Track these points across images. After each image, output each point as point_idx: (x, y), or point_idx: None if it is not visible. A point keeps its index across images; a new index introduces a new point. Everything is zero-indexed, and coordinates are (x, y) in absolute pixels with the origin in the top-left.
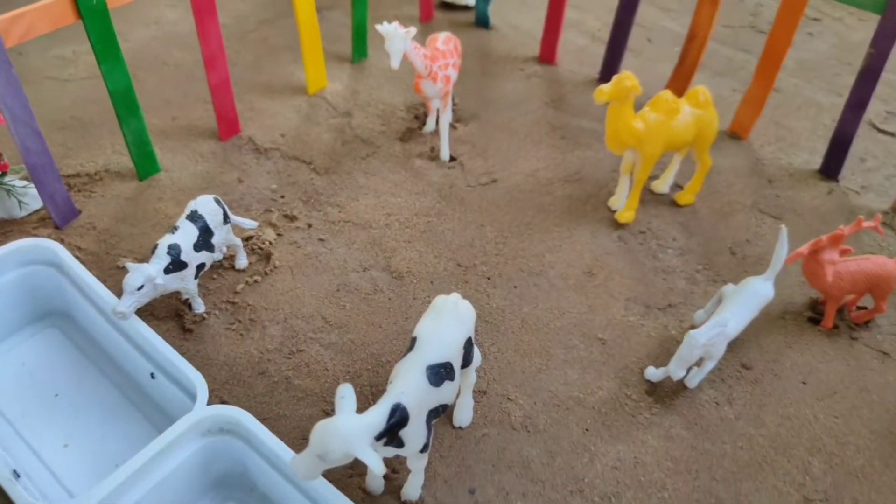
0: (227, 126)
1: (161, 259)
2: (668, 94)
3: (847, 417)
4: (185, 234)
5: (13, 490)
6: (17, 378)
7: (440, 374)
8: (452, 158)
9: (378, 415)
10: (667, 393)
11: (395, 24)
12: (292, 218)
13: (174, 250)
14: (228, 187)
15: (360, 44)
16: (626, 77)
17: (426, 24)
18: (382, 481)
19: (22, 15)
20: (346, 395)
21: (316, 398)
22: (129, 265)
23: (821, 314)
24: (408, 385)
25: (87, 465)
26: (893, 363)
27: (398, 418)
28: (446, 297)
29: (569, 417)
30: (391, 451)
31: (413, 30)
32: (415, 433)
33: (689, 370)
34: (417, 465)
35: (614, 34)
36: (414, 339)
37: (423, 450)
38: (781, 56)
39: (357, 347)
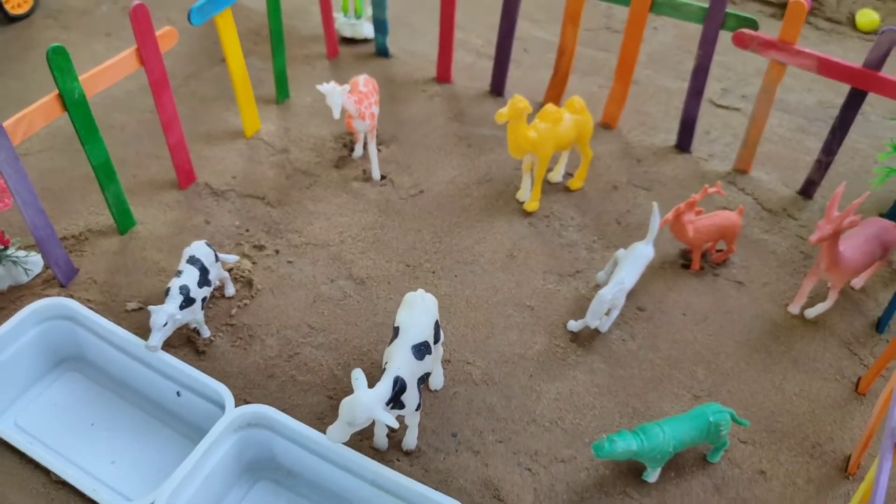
0: (185, 176)
1: (175, 299)
2: (551, 107)
3: (717, 335)
4: (189, 276)
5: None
6: (53, 416)
7: (421, 350)
8: (383, 177)
9: (385, 387)
10: (586, 339)
11: (332, 83)
12: (261, 248)
13: (184, 290)
14: (198, 229)
15: (283, 87)
16: (519, 100)
17: (332, 60)
18: (387, 440)
19: (24, 116)
20: (359, 377)
21: (319, 388)
22: (152, 308)
23: (689, 261)
24: (401, 362)
25: (136, 476)
26: (746, 289)
27: (399, 387)
28: (414, 293)
29: (516, 369)
30: (395, 413)
31: (347, 86)
32: (411, 396)
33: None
34: (413, 420)
35: (499, 51)
36: (397, 328)
37: (417, 408)
38: (635, 56)
39: (341, 344)
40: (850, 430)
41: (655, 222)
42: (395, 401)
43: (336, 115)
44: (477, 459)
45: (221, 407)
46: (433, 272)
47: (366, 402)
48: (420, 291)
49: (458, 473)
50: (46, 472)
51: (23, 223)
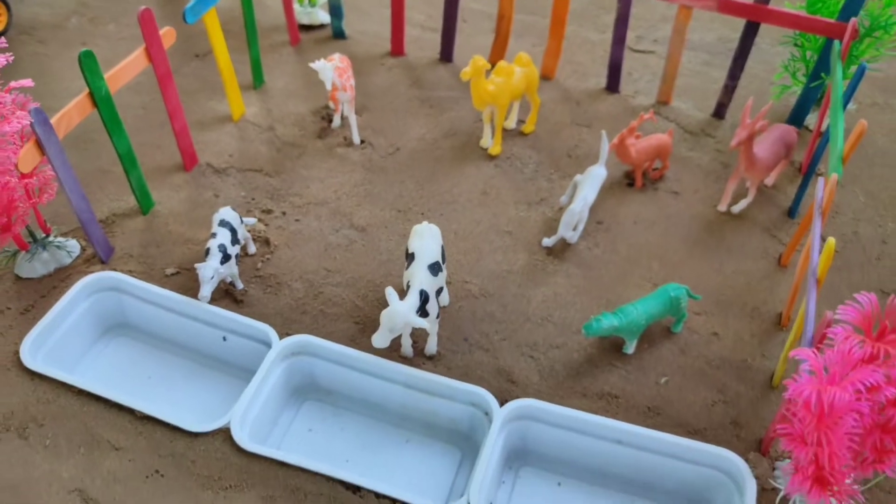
0: (189, 159)
1: (216, 255)
2: (504, 63)
3: (664, 235)
4: (223, 236)
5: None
6: (111, 376)
7: (435, 268)
8: (362, 141)
9: (413, 299)
10: (559, 251)
11: (322, 60)
12: (269, 211)
13: (222, 248)
14: (210, 203)
15: (258, 73)
16: (478, 59)
17: (295, 47)
18: (411, 349)
19: (64, 113)
20: (392, 293)
21: (345, 317)
22: (199, 265)
23: (633, 180)
24: (422, 279)
25: (198, 415)
26: (681, 197)
27: (424, 298)
28: (421, 224)
29: (506, 282)
30: (421, 320)
31: (336, 61)
32: (432, 306)
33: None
34: (433, 328)
35: (445, 21)
36: (412, 254)
37: (437, 317)
38: (565, 13)
39: (356, 281)
40: (778, 293)
41: (605, 147)
42: (422, 310)
43: (329, 86)
44: (488, 355)
45: (266, 344)
46: (422, 213)
47: (402, 311)
48: (426, 223)
49: (475, 367)
50: (129, 411)
51: (57, 213)
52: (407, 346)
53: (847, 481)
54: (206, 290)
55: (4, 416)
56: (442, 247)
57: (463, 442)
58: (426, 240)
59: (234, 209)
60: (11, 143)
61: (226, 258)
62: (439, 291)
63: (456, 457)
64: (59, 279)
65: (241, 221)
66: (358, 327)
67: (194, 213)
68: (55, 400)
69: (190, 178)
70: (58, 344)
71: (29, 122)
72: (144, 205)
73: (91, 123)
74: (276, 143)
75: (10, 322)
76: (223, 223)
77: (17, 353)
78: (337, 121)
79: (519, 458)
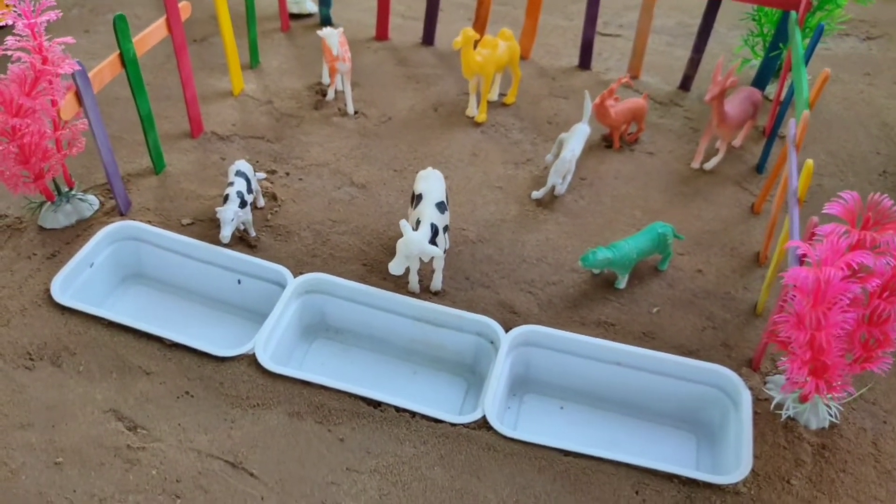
0: (196, 126)
1: (234, 200)
2: (489, 37)
3: (644, 188)
4: (240, 184)
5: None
6: (134, 315)
7: (441, 206)
8: (356, 112)
9: (426, 230)
10: (548, 204)
11: (329, 28)
12: (273, 171)
13: (240, 194)
14: (218, 165)
15: (255, 54)
16: (468, 30)
17: (286, 32)
18: (418, 285)
19: (99, 70)
20: (406, 224)
21: (353, 260)
22: (220, 209)
23: (610, 143)
24: (431, 215)
25: (219, 348)
26: (657, 157)
27: (434, 231)
28: (425, 169)
29: (501, 229)
30: (434, 248)
31: (341, 28)
32: (441, 240)
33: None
34: (440, 264)
35: (428, 10)
36: (420, 195)
37: (444, 251)
38: (540, 3)
39: (361, 230)
40: (754, 236)
41: (588, 105)
42: (432, 242)
43: (335, 52)
44: (489, 291)
45: (280, 285)
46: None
47: (416, 238)
48: (430, 168)
49: (479, 301)
50: (158, 339)
51: (75, 173)
52: (414, 282)
53: (841, 372)
54: (227, 231)
55: (38, 346)
56: (445, 190)
57: (468, 373)
58: (432, 181)
59: (249, 161)
60: (48, 97)
61: (243, 204)
62: (445, 229)
63: (462, 387)
64: (81, 229)
65: (255, 173)
66: (366, 268)
67: (203, 173)
68: (86, 332)
69: (197, 144)
70: (83, 286)
71: (76, 70)
72: (158, 165)
73: (103, 95)
74: (275, 114)
75: (37, 265)
76: (239, 173)
77: (47, 291)
78: (331, 94)
79: (523, 385)
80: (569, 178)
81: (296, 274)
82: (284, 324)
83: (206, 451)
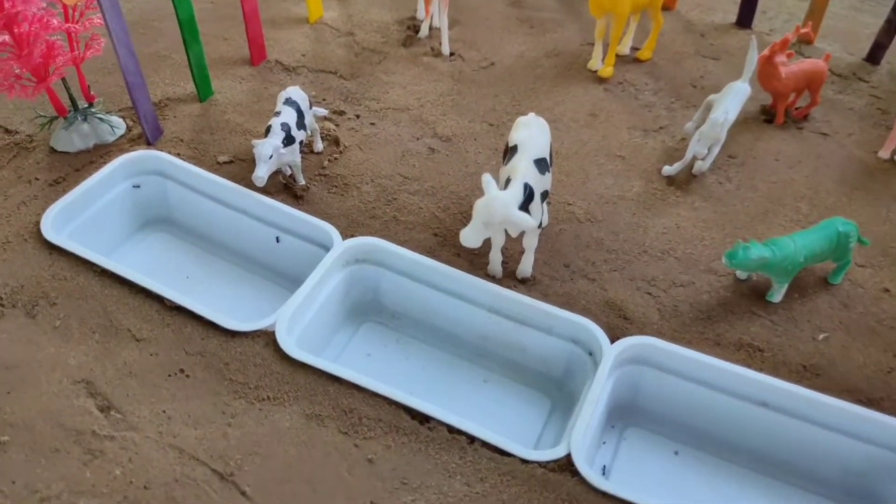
0: (258, 52)
1: (278, 135)
2: None
3: (813, 176)
4: (288, 115)
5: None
6: (146, 271)
7: (542, 165)
8: (452, 53)
9: (517, 190)
10: (682, 182)
11: None
12: (341, 112)
13: (286, 127)
14: (275, 98)
15: None
16: None
17: None
18: (501, 268)
19: None
20: (490, 180)
21: (423, 227)
22: (256, 141)
23: (772, 116)
24: (526, 173)
25: (237, 317)
26: (832, 139)
27: (528, 193)
28: (526, 115)
29: (617, 208)
30: (524, 216)
31: None
32: (535, 209)
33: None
34: (532, 242)
35: None
36: (514, 147)
37: (539, 226)
38: None
39: (437, 191)
40: None
41: (753, 57)
42: (524, 209)
43: None
44: (594, 285)
45: (325, 248)
46: None
47: (503, 200)
48: (532, 114)
49: (579, 297)
50: (159, 299)
51: (105, 93)
52: (496, 263)
53: None
54: (262, 171)
55: (13, 290)
56: (550, 145)
57: (554, 390)
58: (534, 130)
59: (304, 89)
60: None
61: (289, 140)
62: (544, 196)
63: (543, 407)
64: (98, 155)
65: (311, 107)
66: (437, 239)
67: (257, 106)
68: (73, 278)
69: (256, 72)
70: (86, 225)
71: None
72: (203, 91)
73: (152, 11)
74: (355, 47)
75: (35, 192)
76: (289, 101)
77: (38, 223)
78: (424, 30)
79: (626, 414)
80: (716, 150)
81: (346, 236)
82: (323, 298)
83: (191, 452)
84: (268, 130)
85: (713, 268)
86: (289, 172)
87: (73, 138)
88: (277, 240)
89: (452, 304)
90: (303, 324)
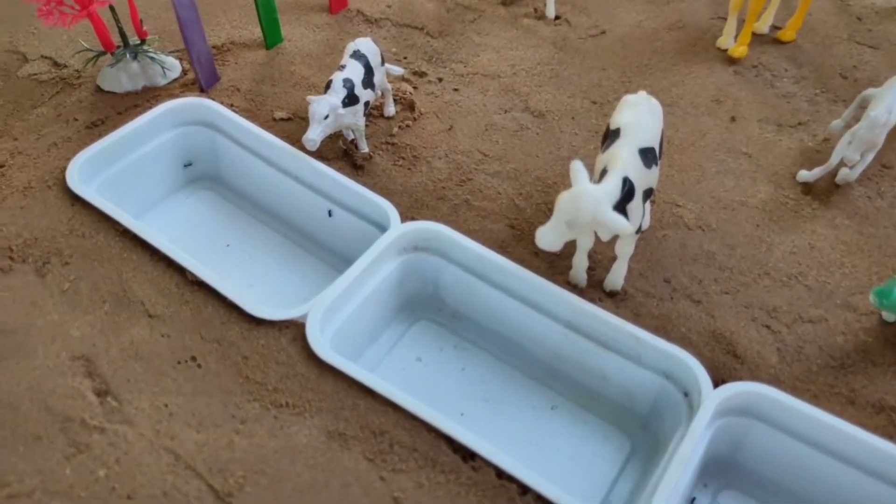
0: (337, 0)
1: (338, 92)
2: None
3: None
4: (354, 71)
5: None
6: (184, 231)
7: (649, 156)
8: (557, 17)
9: (613, 185)
10: (821, 192)
11: None
12: (422, 74)
13: (348, 84)
14: None
15: None
16: None
17: None
18: (585, 275)
19: None
20: (580, 168)
21: (498, 216)
22: (312, 98)
23: None
24: (628, 164)
25: (276, 302)
26: None
27: (628, 188)
28: (635, 94)
29: (737, 216)
30: (619, 218)
31: None
32: (635, 209)
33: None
34: (627, 249)
35: None
36: (616, 130)
37: (638, 231)
38: None
39: (521, 174)
40: None
41: None
42: (620, 208)
43: None
44: (699, 309)
45: (381, 229)
46: None
47: (594, 195)
48: (642, 92)
49: (678, 322)
50: (180, 271)
51: (165, 30)
52: (580, 269)
53: None
54: (315, 133)
55: (26, 242)
56: (662, 132)
57: (637, 429)
58: (642, 112)
59: (376, 42)
60: None
61: (351, 99)
62: (648, 194)
63: (622, 448)
64: (145, 99)
65: (383, 63)
66: (513, 233)
67: (328, 59)
68: (92, 236)
69: (334, 21)
70: (120, 177)
71: None
72: (270, 37)
73: None
74: (448, 2)
75: (70, 133)
76: (357, 55)
77: (65, 169)
78: None
79: (723, 473)
80: (869, 157)
81: (406, 218)
82: (371, 288)
83: (188, 460)
84: (328, 86)
85: (853, 303)
86: (350, 137)
87: (120, 77)
88: (330, 213)
89: (523, 312)
90: (342, 317)
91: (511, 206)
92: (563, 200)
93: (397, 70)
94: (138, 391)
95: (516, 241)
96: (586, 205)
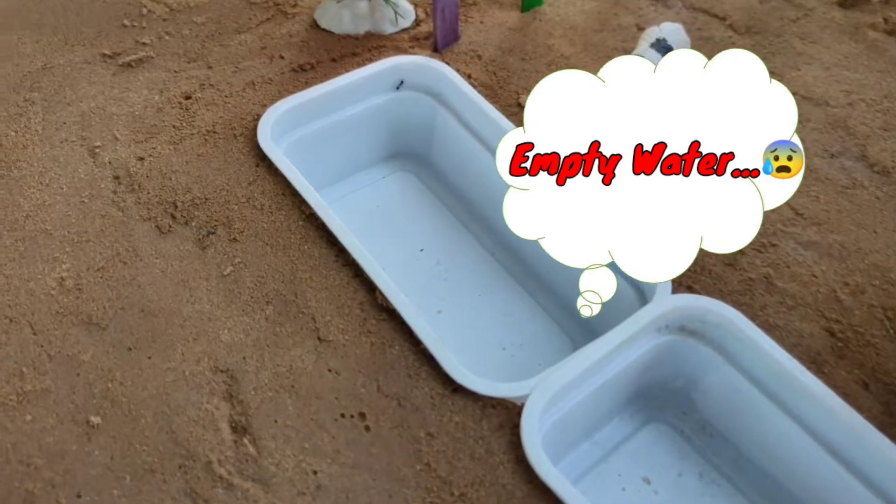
0: None
1: None
2: None
3: None
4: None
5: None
6: (371, 221)
7: None
8: None
9: None
10: None
11: None
12: None
13: None
14: (625, 33)
15: None
16: None
17: None
18: None
19: None
20: None
21: (811, 310)
22: None
23: None
24: None
25: (475, 353)
26: None
27: None
28: None
29: None
30: None
31: None
32: None
33: None
34: None
35: None
36: None
37: None
38: None
39: (849, 253)
40: None
41: None
42: None
43: None
44: None
45: (640, 294)
46: None
47: None
48: None
49: None
50: (369, 287)
51: None
52: None
53: None
54: None
55: (194, 201)
56: None
57: None
58: None
59: (686, 31)
60: None
61: None
62: None
63: None
64: (367, 48)
65: None
66: (832, 342)
67: (595, 37)
68: (272, 211)
69: None
70: (315, 138)
71: None
72: None
73: None
74: None
75: (272, 74)
76: (659, 45)
77: (259, 117)
78: None
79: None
80: None
81: (678, 286)
82: (613, 372)
83: None
84: None
85: None
86: None
87: (342, 16)
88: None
89: (826, 465)
90: (566, 406)
91: (831, 299)
92: None
93: None
94: (284, 439)
95: (836, 357)
96: None
